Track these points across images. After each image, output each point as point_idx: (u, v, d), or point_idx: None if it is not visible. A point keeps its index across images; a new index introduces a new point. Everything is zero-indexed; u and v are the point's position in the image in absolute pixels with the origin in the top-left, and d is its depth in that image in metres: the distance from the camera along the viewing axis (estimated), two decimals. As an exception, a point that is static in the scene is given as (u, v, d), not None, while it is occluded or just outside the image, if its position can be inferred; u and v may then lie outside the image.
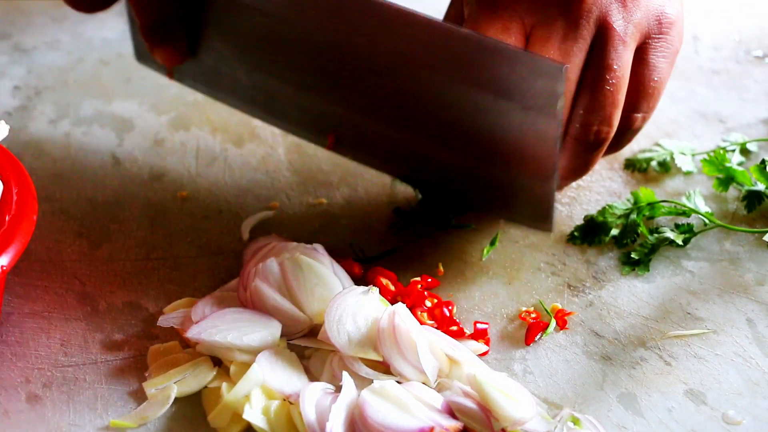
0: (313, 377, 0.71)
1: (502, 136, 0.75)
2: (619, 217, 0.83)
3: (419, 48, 0.74)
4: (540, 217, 0.78)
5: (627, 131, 0.78)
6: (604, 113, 0.75)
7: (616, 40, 0.76)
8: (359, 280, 0.78)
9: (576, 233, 0.83)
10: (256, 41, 0.83)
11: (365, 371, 0.70)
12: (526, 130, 0.74)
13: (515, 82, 0.72)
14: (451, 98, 0.75)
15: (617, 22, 0.76)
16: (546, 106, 0.72)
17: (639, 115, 0.78)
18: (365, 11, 0.75)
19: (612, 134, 0.76)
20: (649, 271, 0.80)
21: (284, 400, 0.69)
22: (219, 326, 0.72)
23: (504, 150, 0.76)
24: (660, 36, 0.78)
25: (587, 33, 0.76)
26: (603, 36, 0.76)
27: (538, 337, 0.75)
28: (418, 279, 0.78)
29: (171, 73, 0.90)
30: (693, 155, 0.90)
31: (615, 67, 0.75)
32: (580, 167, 0.78)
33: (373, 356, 0.70)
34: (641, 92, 0.77)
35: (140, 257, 0.81)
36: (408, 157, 0.82)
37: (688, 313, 0.77)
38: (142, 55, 0.93)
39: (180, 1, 0.83)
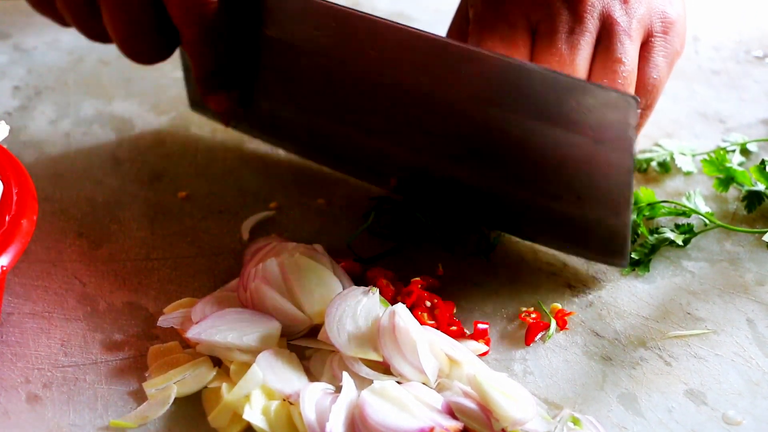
0: (313, 377, 0.71)
1: (574, 171, 0.74)
2: (619, 217, 0.83)
3: (485, 85, 0.73)
4: (614, 251, 0.77)
5: None
6: None
7: (622, 34, 0.76)
8: (359, 280, 0.78)
9: (576, 233, 0.83)
10: (314, 84, 0.82)
11: (365, 371, 0.70)
12: (598, 164, 0.72)
13: (586, 115, 0.71)
14: (520, 135, 0.74)
15: (621, 17, 0.76)
16: (618, 138, 0.70)
17: (637, 111, 0.78)
18: (428, 50, 0.74)
19: None
20: (649, 271, 0.80)
21: (284, 400, 0.69)
22: (219, 326, 0.72)
23: (576, 185, 0.75)
24: (661, 35, 0.78)
25: (592, 26, 0.76)
26: (608, 30, 0.76)
27: (538, 337, 0.75)
28: (418, 279, 0.78)
29: (227, 122, 0.89)
30: (693, 155, 0.90)
31: (624, 60, 0.75)
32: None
33: (373, 356, 0.70)
34: (640, 88, 0.77)
35: (140, 257, 0.81)
36: (474, 198, 0.81)
37: (688, 313, 0.77)
38: (195, 104, 0.93)
39: (236, 48, 0.83)
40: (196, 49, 0.81)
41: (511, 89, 0.73)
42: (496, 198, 0.80)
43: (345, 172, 0.88)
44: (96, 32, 0.84)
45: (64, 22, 0.86)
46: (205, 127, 0.94)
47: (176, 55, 0.89)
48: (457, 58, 0.73)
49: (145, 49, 0.82)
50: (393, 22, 0.75)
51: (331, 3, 0.77)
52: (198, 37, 0.80)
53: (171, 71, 0.99)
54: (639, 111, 0.70)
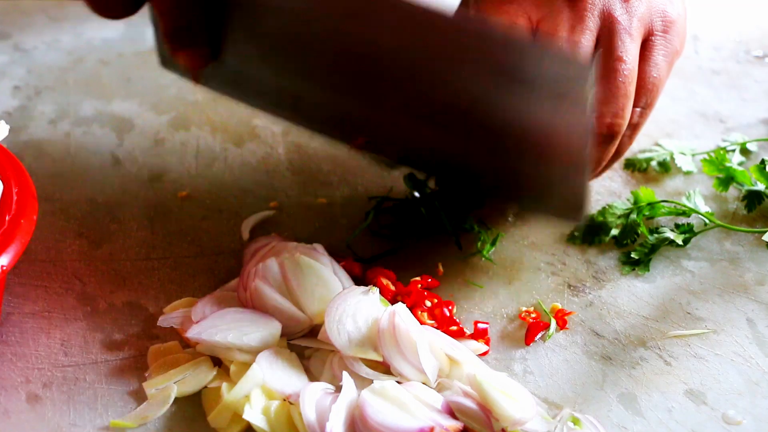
0: (313, 377, 0.71)
1: (532, 128, 0.74)
2: (619, 217, 0.83)
3: (446, 44, 0.74)
4: (571, 208, 0.77)
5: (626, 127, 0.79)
6: (617, 105, 0.75)
7: (623, 32, 0.76)
8: (359, 280, 0.78)
9: (576, 233, 0.83)
10: (281, 42, 0.82)
11: (365, 371, 0.70)
12: (556, 123, 0.73)
13: (544, 73, 0.71)
14: (479, 92, 0.75)
15: (621, 15, 0.76)
16: (576, 100, 0.71)
17: (638, 110, 0.78)
18: (390, 10, 0.74)
19: (624, 127, 0.76)
20: (649, 270, 0.80)
21: (284, 400, 0.69)
22: (219, 326, 0.72)
23: (535, 143, 0.75)
24: (661, 34, 0.78)
25: (593, 24, 0.76)
26: (608, 28, 0.76)
27: (538, 337, 0.75)
28: (418, 279, 0.78)
29: (197, 78, 0.89)
30: (693, 155, 0.90)
31: (625, 58, 0.75)
32: (592, 163, 0.77)
33: (373, 356, 0.70)
34: (640, 87, 0.78)
35: (140, 257, 0.81)
36: (435, 153, 0.81)
37: (688, 313, 0.77)
38: (166, 61, 0.92)
39: (204, 4, 0.83)
40: (164, 4, 0.80)
41: (470, 49, 0.73)
42: (456, 155, 0.80)
43: (313, 129, 0.87)
44: None
45: None
46: (205, 127, 0.94)
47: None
48: (416, 17, 0.74)
49: (111, 3, 0.81)
50: None
51: None
52: None
53: (171, 71, 0.99)
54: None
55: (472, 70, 0.74)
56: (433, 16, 0.73)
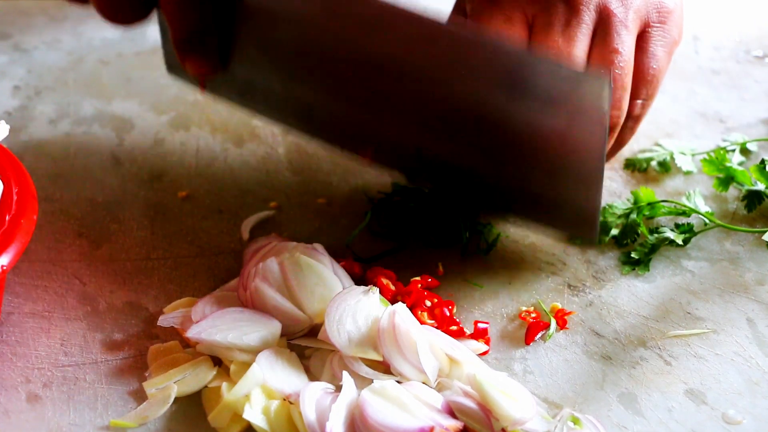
0: (313, 377, 0.71)
1: (546, 144, 0.74)
2: (619, 216, 0.83)
3: (461, 58, 0.73)
4: (584, 225, 0.77)
5: (627, 119, 0.79)
6: (614, 97, 0.75)
7: (618, 25, 0.76)
8: (359, 280, 0.78)
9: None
10: (291, 51, 0.81)
11: (365, 371, 0.70)
12: (570, 139, 0.72)
13: (559, 93, 0.71)
14: (493, 107, 0.74)
15: (617, 8, 0.76)
16: (591, 117, 0.70)
17: (638, 102, 0.78)
18: (403, 22, 0.74)
19: (622, 120, 0.76)
20: (649, 270, 0.80)
21: (284, 399, 0.69)
22: (219, 326, 0.72)
23: (548, 159, 0.75)
24: (658, 25, 0.79)
25: (589, 18, 0.76)
26: (604, 21, 0.76)
27: (538, 336, 0.75)
28: (418, 279, 0.78)
29: (203, 86, 0.89)
30: (693, 155, 0.90)
31: (621, 50, 0.75)
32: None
33: (373, 356, 0.70)
34: (640, 79, 0.78)
35: (140, 257, 0.81)
36: (446, 168, 0.81)
37: (688, 313, 0.77)
38: (173, 67, 0.92)
39: (214, 12, 0.82)
40: (174, 11, 0.80)
41: (485, 65, 0.73)
42: (468, 169, 0.80)
43: (321, 139, 0.87)
44: None
45: None
46: (205, 127, 0.94)
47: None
48: (430, 32, 0.73)
49: (121, 9, 0.81)
50: None
51: None
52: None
53: (171, 71, 0.99)
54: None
55: (484, 83, 0.74)
56: (445, 29, 0.72)
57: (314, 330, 0.74)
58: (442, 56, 0.74)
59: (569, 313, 0.76)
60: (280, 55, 0.83)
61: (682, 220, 0.83)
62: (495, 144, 0.76)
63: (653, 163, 0.89)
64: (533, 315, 0.76)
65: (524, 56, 0.71)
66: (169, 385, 0.70)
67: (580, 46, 0.75)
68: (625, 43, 0.76)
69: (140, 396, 0.70)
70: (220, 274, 0.80)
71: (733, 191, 0.86)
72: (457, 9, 0.82)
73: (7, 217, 0.70)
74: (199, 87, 0.89)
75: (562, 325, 0.76)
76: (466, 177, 0.81)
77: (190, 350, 0.73)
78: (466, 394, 0.68)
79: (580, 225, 0.78)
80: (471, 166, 0.79)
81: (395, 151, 0.83)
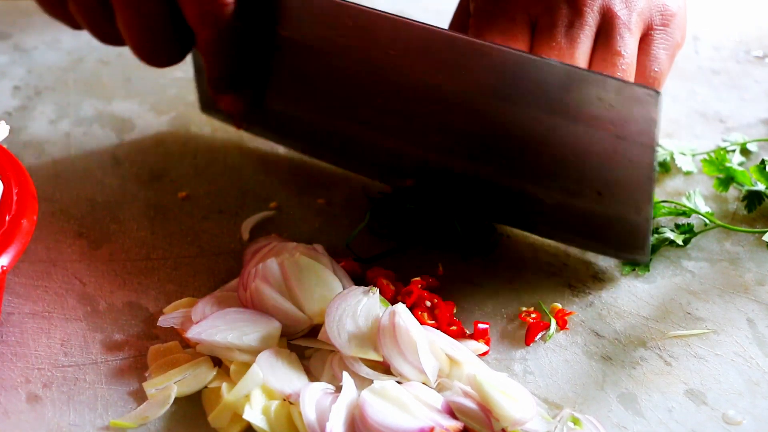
0: (313, 377, 0.71)
1: (595, 167, 0.74)
2: (619, 217, 0.83)
3: (503, 82, 0.73)
4: (634, 246, 0.77)
5: None
6: None
7: (622, 27, 0.76)
8: (359, 280, 0.78)
9: (576, 233, 0.83)
10: (328, 84, 0.82)
11: (365, 371, 0.70)
12: (619, 159, 0.72)
13: (608, 111, 0.70)
14: (541, 131, 0.74)
15: (621, 10, 0.76)
16: (640, 134, 0.70)
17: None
18: (445, 47, 0.74)
19: None
20: (649, 271, 0.80)
21: (284, 400, 0.69)
22: (219, 326, 0.72)
23: (597, 181, 0.74)
24: (661, 28, 0.78)
25: (592, 20, 0.76)
26: (608, 23, 0.76)
27: (538, 337, 0.75)
28: (419, 279, 0.78)
29: (239, 124, 0.89)
30: (693, 155, 0.90)
31: (624, 53, 0.75)
32: None
33: (373, 356, 0.70)
34: (641, 82, 0.77)
35: (140, 257, 0.81)
36: (492, 195, 0.80)
37: (689, 313, 0.77)
38: (206, 105, 0.92)
39: (250, 49, 0.82)
40: (211, 51, 0.81)
41: (530, 85, 0.72)
42: (514, 195, 0.79)
43: (360, 172, 0.87)
44: (109, 34, 0.83)
45: (75, 25, 0.85)
46: (205, 127, 0.94)
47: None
48: (474, 54, 0.73)
49: (159, 52, 0.82)
50: (411, 19, 0.75)
51: (348, 2, 0.76)
52: (214, 39, 0.80)
53: (171, 71, 0.99)
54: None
55: (524, 106, 0.73)
56: (495, 53, 0.72)
57: (314, 330, 0.74)
58: (482, 80, 0.74)
59: (569, 313, 0.76)
60: (316, 88, 0.83)
61: (682, 220, 0.83)
62: (540, 167, 0.76)
63: (653, 163, 0.89)
64: (533, 315, 0.76)
65: (567, 71, 0.71)
66: (169, 386, 0.70)
67: (582, 48, 0.75)
68: (628, 45, 0.76)
69: (140, 396, 0.70)
70: (220, 274, 0.80)
71: (733, 191, 0.86)
72: (461, 9, 0.82)
73: (7, 218, 0.70)
74: (235, 125, 0.89)
75: (562, 325, 0.76)
76: (512, 203, 0.80)
77: (190, 350, 0.73)
78: (466, 395, 0.68)
79: (631, 245, 0.77)
80: (516, 192, 0.79)
81: (436, 180, 0.82)
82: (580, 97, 0.71)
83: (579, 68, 0.73)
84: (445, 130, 0.78)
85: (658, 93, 0.68)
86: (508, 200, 0.80)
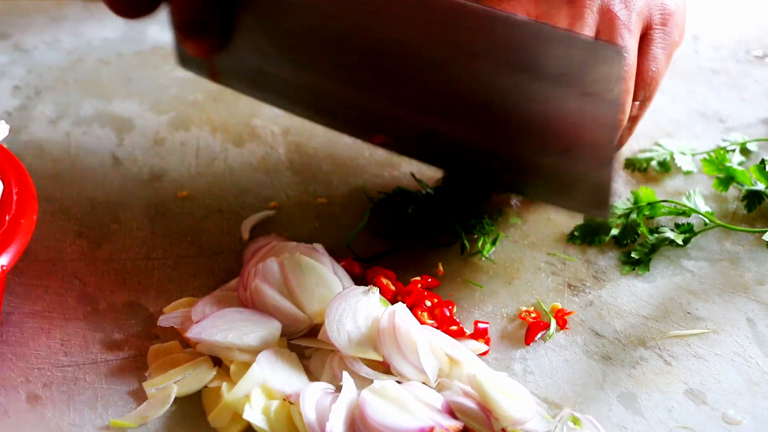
0: (313, 377, 0.71)
1: (560, 123, 0.74)
2: (620, 216, 0.83)
3: (472, 38, 0.73)
4: (597, 203, 0.77)
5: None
6: None
7: (622, 27, 0.76)
8: (359, 280, 0.78)
9: (576, 233, 0.83)
10: (302, 39, 0.81)
11: (365, 371, 0.70)
12: (584, 116, 0.72)
13: (572, 68, 0.71)
14: (506, 87, 0.74)
15: (620, 11, 0.76)
16: (604, 91, 0.70)
17: (636, 103, 0.78)
18: (415, 4, 0.74)
19: (624, 122, 0.76)
20: (649, 270, 0.80)
21: (284, 400, 0.69)
22: (219, 326, 0.72)
23: (561, 137, 0.74)
24: (660, 27, 0.78)
25: (592, 21, 0.76)
26: (608, 24, 0.76)
27: (538, 337, 0.75)
28: (418, 279, 0.78)
29: (215, 75, 0.88)
30: (693, 155, 0.90)
31: (624, 54, 0.75)
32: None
33: (373, 356, 0.70)
34: (639, 81, 0.77)
35: (140, 257, 0.81)
36: (458, 150, 0.81)
37: (688, 313, 0.77)
38: (184, 59, 0.92)
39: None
40: (180, 1, 0.80)
41: (497, 42, 0.73)
42: (481, 151, 0.80)
43: (333, 127, 0.87)
44: None
45: None
46: (205, 127, 0.94)
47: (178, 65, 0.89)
48: (442, 11, 0.73)
49: (130, 2, 0.81)
50: None
51: None
52: None
53: (171, 71, 0.99)
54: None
55: (493, 63, 0.73)
56: (463, 10, 0.72)
57: (314, 330, 0.74)
58: (452, 37, 0.74)
59: (569, 313, 0.76)
60: (289, 43, 0.82)
61: (682, 220, 0.83)
62: (506, 123, 0.76)
63: (653, 163, 0.89)
64: (533, 315, 0.76)
65: (535, 29, 0.71)
66: (169, 385, 0.70)
67: None
68: (629, 46, 0.76)
69: (140, 396, 0.70)
70: (220, 274, 0.80)
71: (733, 191, 0.86)
72: None
73: (7, 217, 0.70)
74: (210, 77, 0.88)
75: (562, 325, 0.76)
76: (478, 158, 0.80)
77: (190, 350, 0.73)
78: (466, 394, 0.68)
79: (593, 202, 0.77)
80: (482, 148, 0.79)
81: (406, 135, 0.83)
82: (546, 53, 0.71)
83: (546, 25, 0.73)
84: (416, 86, 0.78)
85: (621, 49, 0.69)
86: (476, 156, 0.80)
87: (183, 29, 0.82)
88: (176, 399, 0.70)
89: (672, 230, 0.82)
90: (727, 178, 0.85)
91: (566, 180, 0.77)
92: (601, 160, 0.74)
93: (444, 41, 0.74)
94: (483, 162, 0.80)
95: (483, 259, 0.81)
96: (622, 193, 0.87)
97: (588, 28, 0.76)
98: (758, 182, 0.84)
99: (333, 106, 0.84)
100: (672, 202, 0.84)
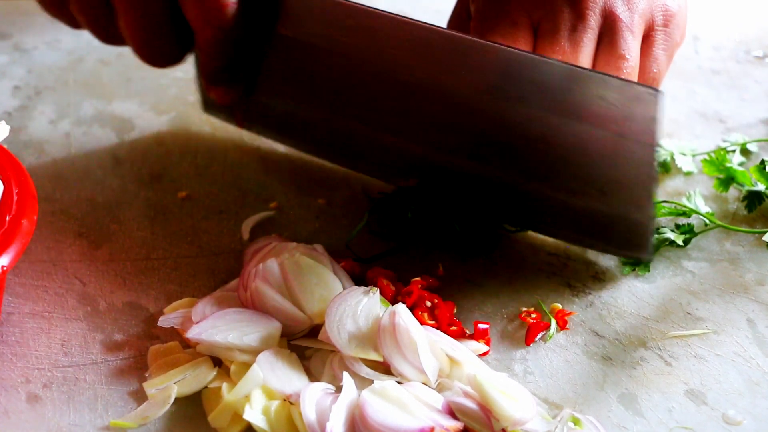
0: (313, 377, 0.71)
1: (597, 166, 0.74)
2: (620, 217, 0.83)
3: (508, 81, 0.73)
4: (637, 244, 0.77)
5: None
6: None
7: (624, 29, 0.76)
8: (359, 280, 0.78)
9: (576, 233, 0.83)
10: (329, 83, 0.82)
11: (365, 371, 0.70)
12: (621, 158, 0.72)
13: (609, 109, 0.70)
14: (542, 130, 0.74)
15: (623, 13, 0.76)
16: (642, 132, 0.70)
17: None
18: (447, 47, 0.74)
19: None
20: (649, 271, 0.80)
21: (284, 400, 0.69)
22: (219, 326, 0.72)
23: (599, 179, 0.74)
24: (662, 28, 0.78)
25: (594, 23, 0.76)
26: (610, 26, 0.76)
27: (538, 337, 0.75)
28: (419, 279, 0.78)
29: (241, 122, 0.89)
30: (693, 155, 0.90)
31: (627, 56, 0.75)
32: None
33: (373, 356, 0.70)
34: (640, 82, 0.77)
35: (140, 257, 0.81)
36: (495, 195, 0.80)
37: (689, 313, 0.77)
38: (208, 105, 0.92)
39: (248, 46, 0.82)
40: (210, 50, 0.81)
41: (532, 84, 0.72)
42: (516, 194, 0.79)
43: (362, 171, 0.87)
44: (111, 34, 0.83)
45: (76, 24, 0.85)
46: (205, 127, 0.94)
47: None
48: (476, 53, 0.73)
49: (160, 52, 0.82)
50: (412, 18, 0.75)
51: (349, 2, 0.76)
52: (215, 39, 0.80)
53: (171, 71, 0.99)
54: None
55: (527, 106, 0.73)
56: (497, 53, 0.72)
57: (314, 330, 0.74)
58: (486, 81, 0.74)
59: (569, 313, 0.76)
60: (317, 87, 0.83)
61: (683, 220, 0.83)
62: (541, 165, 0.76)
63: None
64: (533, 315, 0.76)
65: (571, 72, 0.71)
66: (169, 386, 0.70)
67: (585, 52, 0.75)
68: (632, 48, 0.76)
69: (140, 396, 0.70)
70: (221, 274, 0.80)
71: (733, 192, 0.86)
72: (459, 11, 0.82)
73: (7, 218, 0.70)
74: (237, 123, 0.89)
75: (562, 325, 0.76)
76: (512, 201, 0.80)
77: (191, 351, 0.73)
78: (467, 395, 0.68)
79: (633, 244, 0.77)
80: (517, 191, 0.79)
81: (440, 179, 0.82)
82: (581, 96, 0.71)
83: (580, 67, 0.73)
84: (447, 129, 0.78)
85: (659, 92, 0.68)
86: (511, 199, 0.80)
87: (210, 77, 0.83)
88: (176, 399, 0.70)
89: (672, 231, 0.82)
90: (728, 179, 0.85)
91: (604, 222, 0.77)
92: (638, 201, 0.74)
93: (476, 84, 0.74)
94: (520, 206, 0.80)
95: (483, 259, 0.81)
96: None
97: (591, 30, 0.76)
98: (758, 183, 0.84)
99: (362, 150, 0.85)
100: (672, 202, 0.84)
